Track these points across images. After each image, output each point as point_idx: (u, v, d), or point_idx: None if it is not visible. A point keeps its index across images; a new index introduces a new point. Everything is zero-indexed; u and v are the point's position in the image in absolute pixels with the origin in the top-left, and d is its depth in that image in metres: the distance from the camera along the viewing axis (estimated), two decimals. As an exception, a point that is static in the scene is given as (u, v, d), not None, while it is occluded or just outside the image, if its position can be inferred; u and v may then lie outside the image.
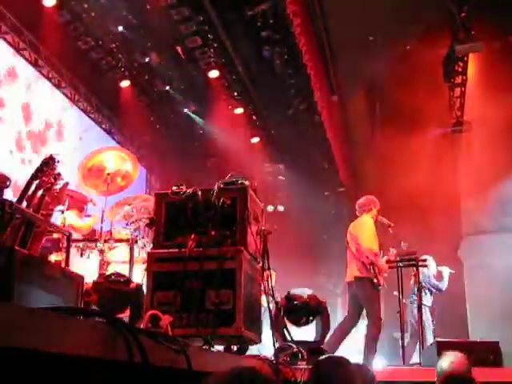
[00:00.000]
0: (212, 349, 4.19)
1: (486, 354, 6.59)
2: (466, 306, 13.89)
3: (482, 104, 13.97)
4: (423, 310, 9.82)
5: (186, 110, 14.05)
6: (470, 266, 14.21)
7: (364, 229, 8.14)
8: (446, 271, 10.54)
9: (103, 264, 7.06)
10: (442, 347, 6.25)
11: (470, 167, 14.31)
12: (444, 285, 10.48)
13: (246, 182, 4.88)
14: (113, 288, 4.82)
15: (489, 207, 13.84)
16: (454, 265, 12.23)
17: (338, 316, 8.96)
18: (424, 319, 9.70)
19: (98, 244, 7.10)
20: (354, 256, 8.08)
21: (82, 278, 4.00)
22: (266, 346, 5.46)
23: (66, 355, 1.79)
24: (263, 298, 5.31)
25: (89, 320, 2.13)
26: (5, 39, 10.39)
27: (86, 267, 6.88)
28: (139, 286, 4.87)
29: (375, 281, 7.82)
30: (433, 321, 10.44)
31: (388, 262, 8.47)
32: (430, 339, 9.42)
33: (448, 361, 4.66)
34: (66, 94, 12.08)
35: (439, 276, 10.51)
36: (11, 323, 1.59)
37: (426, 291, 10.28)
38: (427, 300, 10.26)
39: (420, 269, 9.53)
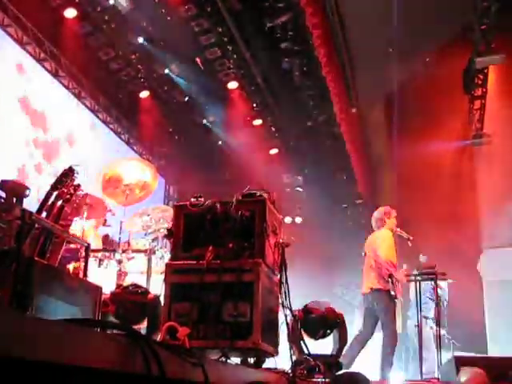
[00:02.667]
0: (229, 361, 4.18)
1: (505, 369, 6.51)
2: (484, 321, 13.72)
3: (502, 116, 13.88)
4: (425, 322, 9.77)
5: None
6: (489, 281, 14.06)
7: (383, 241, 8.13)
8: (444, 283, 10.43)
9: (121, 274, 7.08)
10: (460, 362, 6.19)
11: (489, 180, 14.21)
12: (445, 293, 10.37)
13: (265, 195, 4.86)
14: (131, 299, 4.83)
15: (508, 221, 13.69)
16: (473, 279, 12.17)
17: (355, 328, 8.89)
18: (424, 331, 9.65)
19: (116, 254, 7.12)
20: (371, 268, 8.06)
21: (100, 288, 4.02)
22: (282, 359, 5.44)
23: (83, 368, 1.79)
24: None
25: (107, 332, 2.13)
26: (26, 49, 10.50)
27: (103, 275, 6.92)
28: (157, 298, 4.87)
29: (392, 293, 7.79)
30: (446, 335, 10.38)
31: (407, 275, 8.46)
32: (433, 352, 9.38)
33: (466, 376, 4.62)
34: (85, 104, 12.16)
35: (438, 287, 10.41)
36: (29, 334, 1.59)
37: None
38: (430, 313, 10.12)
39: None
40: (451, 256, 11.65)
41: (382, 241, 8.15)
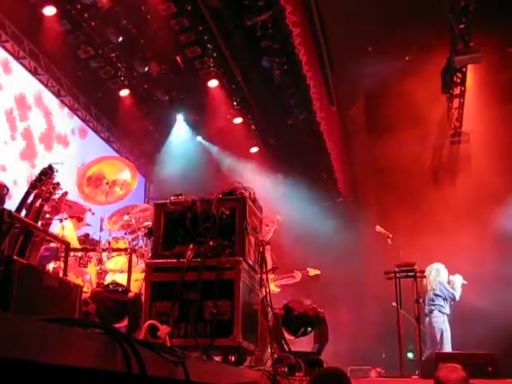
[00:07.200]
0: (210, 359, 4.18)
1: (484, 365, 6.58)
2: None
3: (481, 115, 14.00)
4: (442, 319, 9.67)
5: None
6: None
7: None
8: (458, 280, 9.89)
9: (101, 273, 7.06)
10: (440, 358, 6.24)
11: (468, 177, 14.32)
12: (457, 294, 9.82)
13: (245, 193, 4.87)
14: (111, 298, 4.81)
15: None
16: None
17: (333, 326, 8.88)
18: (442, 327, 9.57)
19: (97, 253, 7.09)
20: None
21: (80, 287, 4.00)
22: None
23: (64, 367, 1.78)
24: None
25: (87, 331, 2.12)
26: (4, 47, 10.41)
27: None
28: (137, 296, 4.86)
29: None
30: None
31: (386, 273, 8.53)
32: (448, 348, 9.26)
33: (445, 372, 4.66)
34: (65, 103, 12.08)
35: (451, 285, 10.03)
36: (9, 334, 1.58)
37: (444, 300, 9.88)
38: (446, 309, 9.82)
39: (433, 278, 9.52)
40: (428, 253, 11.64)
41: None
